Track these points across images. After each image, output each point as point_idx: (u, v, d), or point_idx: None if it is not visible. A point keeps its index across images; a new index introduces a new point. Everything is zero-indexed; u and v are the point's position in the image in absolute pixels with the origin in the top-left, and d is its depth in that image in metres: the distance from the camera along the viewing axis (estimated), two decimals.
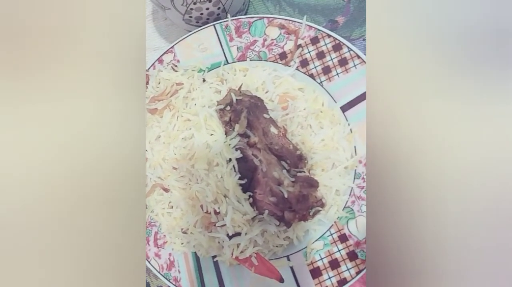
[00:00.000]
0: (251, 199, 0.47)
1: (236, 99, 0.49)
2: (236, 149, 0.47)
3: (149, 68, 0.60)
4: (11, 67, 0.27)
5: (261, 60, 0.59)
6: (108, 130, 0.29)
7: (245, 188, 0.47)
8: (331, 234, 0.53)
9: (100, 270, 0.29)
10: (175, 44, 0.61)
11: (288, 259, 0.54)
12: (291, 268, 0.53)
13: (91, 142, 0.28)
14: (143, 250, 0.30)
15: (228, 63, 0.60)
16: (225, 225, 0.46)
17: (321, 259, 0.53)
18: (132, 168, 0.29)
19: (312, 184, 0.45)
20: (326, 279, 0.52)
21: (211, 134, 0.49)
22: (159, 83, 0.56)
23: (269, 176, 0.46)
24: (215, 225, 0.47)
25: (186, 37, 0.61)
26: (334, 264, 0.52)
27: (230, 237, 0.47)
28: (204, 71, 0.60)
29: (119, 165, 0.29)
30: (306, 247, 0.54)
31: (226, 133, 0.50)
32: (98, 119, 0.29)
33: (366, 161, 0.31)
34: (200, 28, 0.60)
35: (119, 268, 0.29)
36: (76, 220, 0.28)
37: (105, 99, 0.29)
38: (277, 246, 0.53)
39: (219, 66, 0.60)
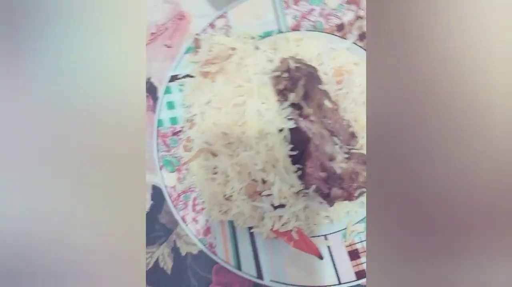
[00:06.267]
0: (299, 172, 0.46)
1: (294, 67, 0.47)
2: (289, 119, 0.45)
3: (200, 33, 0.59)
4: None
5: (316, 31, 0.56)
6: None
7: (295, 160, 0.46)
8: None
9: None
10: (229, 9, 0.59)
11: (326, 238, 0.53)
12: (328, 247, 0.52)
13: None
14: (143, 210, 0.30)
15: (281, 32, 0.58)
16: (271, 194, 0.45)
17: (361, 241, 0.51)
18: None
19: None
20: (364, 262, 0.50)
21: (263, 103, 0.48)
22: (212, 47, 0.55)
23: (321, 151, 0.44)
24: (260, 194, 0.47)
25: (240, 3, 0.59)
26: None
27: (274, 208, 0.47)
28: (256, 38, 0.58)
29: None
30: (345, 228, 0.52)
31: (279, 102, 0.48)
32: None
33: (367, 160, 0.30)
34: None
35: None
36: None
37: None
38: (315, 224, 0.52)
39: (271, 35, 0.57)
